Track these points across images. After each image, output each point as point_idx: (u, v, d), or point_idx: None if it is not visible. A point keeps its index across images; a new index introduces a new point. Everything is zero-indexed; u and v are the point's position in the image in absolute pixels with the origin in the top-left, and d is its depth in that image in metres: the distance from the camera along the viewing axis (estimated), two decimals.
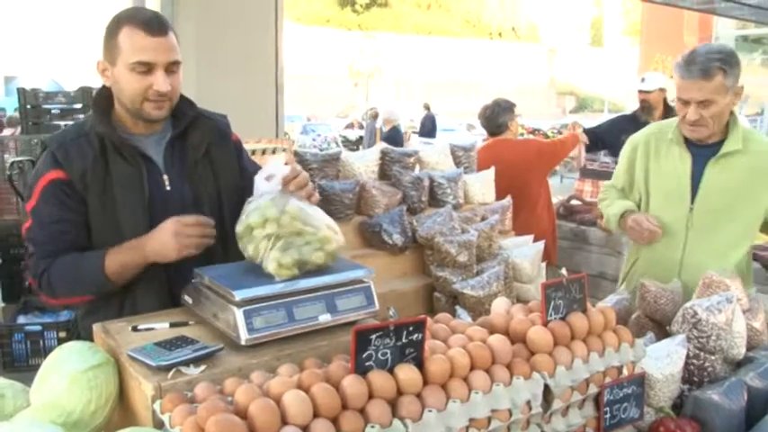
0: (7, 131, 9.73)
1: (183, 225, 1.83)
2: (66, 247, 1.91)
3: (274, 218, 1.64)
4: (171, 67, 1.90)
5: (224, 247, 1.98)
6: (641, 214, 2.72)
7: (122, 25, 1.86)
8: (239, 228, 1.69)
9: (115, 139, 1.92)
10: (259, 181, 1.75)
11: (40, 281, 1.92)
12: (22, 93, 5.91)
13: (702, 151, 2.63)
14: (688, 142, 2.66)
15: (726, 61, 2.43)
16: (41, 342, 4.41)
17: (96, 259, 1.87)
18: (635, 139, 2.87)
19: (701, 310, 1.97)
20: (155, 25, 1.86)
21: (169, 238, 1.82)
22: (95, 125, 1.93)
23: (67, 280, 1.91)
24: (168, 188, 2.01)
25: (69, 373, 1.46)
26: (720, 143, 2.61)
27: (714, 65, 2.42)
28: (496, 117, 4.27)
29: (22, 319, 4.58)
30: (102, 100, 2.00)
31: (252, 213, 1.67)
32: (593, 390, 1.59)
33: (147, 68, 1.86)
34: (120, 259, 1.87)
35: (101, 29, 1.95)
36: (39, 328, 4.42)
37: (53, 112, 5.76)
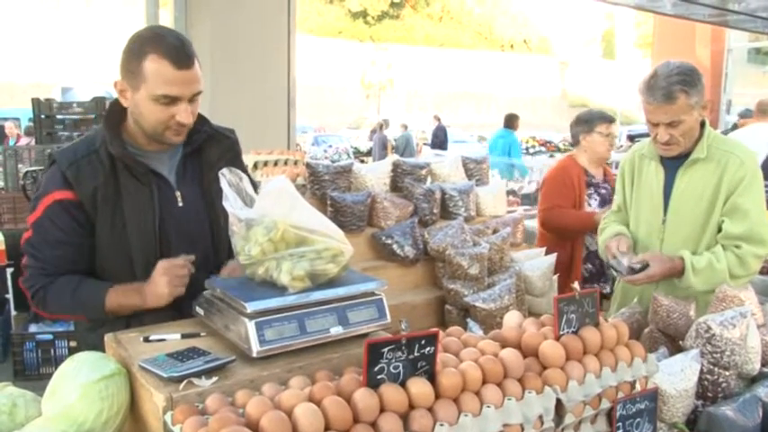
0: (24, 141, 9.84)
1: (172, 266, 1.85)
2: (68, 270, 1.92)
3: (270, 239, 1.62)
4: (193, 98, 1.91)
5: None
6: (613, 240, 2.65)
7: (148, 52, 1.81)
8: (243, 261, 1.68)
9: (127, 159, 1.91)
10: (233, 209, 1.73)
11: (35, 294, 1.93)
12: (36, 103, 5.95)
13: (674, 163, 2.60)
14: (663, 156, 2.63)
15: (686, 81, 2.40)
16: (52, 351, 4.44)
17: (97, 294, 1.89)
18: (625, 158, 2.86)
19: (715, 324, 1.96)
20: (183, 58, 1.82)
21: (160, 278, 1.84)
22: (107, 144, 1.92)
23: (64, 303, 1.92)
24: (181, 204, 2.01)
25: (81, 383, 1.46)
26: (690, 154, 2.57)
27: (675, 88, 2.39)
28: (571, 127, 3.93)
29: (33, 329, 4.61)
30: (114, 116, 1.98)
31: (251, 248, 1.65)
32: (605, 405, 1.58)
33: (171, 101, 1.85)
34: (120, 300, 1.89)
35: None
36: (50, 337, 4.45)
37: (66, 122, 5.80)
